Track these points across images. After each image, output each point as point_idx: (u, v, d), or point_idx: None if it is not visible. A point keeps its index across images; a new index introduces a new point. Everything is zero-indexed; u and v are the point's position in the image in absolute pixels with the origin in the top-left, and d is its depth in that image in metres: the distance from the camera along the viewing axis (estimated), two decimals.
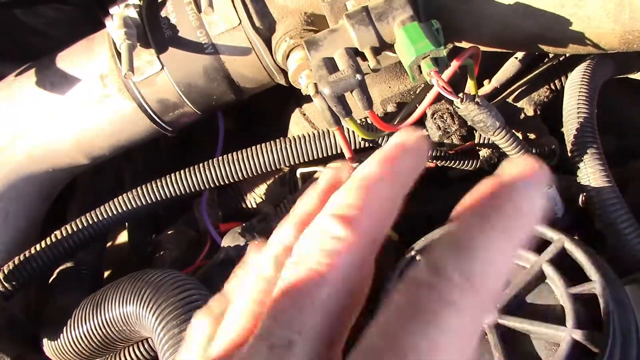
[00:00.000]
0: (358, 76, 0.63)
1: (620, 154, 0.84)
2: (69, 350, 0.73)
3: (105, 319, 0.68)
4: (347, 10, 0.68)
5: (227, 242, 0.71)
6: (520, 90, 0.83)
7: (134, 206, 0.82)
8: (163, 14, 0.79)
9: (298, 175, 0.82)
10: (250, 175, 0.82)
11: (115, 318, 0.68)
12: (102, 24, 0.81)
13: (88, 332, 0.69)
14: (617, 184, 0.70)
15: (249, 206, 0.95)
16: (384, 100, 0.84)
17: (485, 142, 0.78)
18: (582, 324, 0.59)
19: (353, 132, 0.77)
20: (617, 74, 0.79)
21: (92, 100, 0.81)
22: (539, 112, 0.83)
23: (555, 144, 0.79)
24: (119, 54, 0.78)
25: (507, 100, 0.83)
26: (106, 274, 0.96)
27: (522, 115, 0.83)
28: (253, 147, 0.81)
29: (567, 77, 0.80)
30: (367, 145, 0.82)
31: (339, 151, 0.79)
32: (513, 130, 0.67)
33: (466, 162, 0.82)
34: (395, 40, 0.66)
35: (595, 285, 0.60)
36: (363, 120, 0.79)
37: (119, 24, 0.76)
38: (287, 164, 0.82)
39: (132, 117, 0.82)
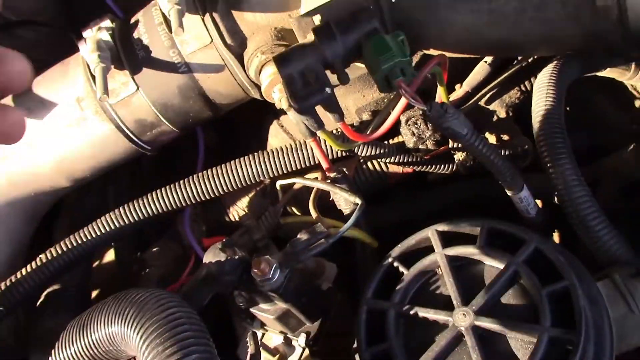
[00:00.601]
0: (327, 90, 0.64)
1: (592, 151, 0.85)
2: None
3: (92, 340, 0.69)
4: (314, 24, 0.69)
5: (208, 258, 0.72)
6: (491, 93, 0.84)
7: (118, 225, 0.83)
8: (135, 35, 0.80)
9: (278, 187, 0.83)
10: (231, 189, 0.83)
11: (102, 339, 0.68)
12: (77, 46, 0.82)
13: (75, 354, 0.70)
14: (588, 181, 0.71)
15: (232, 219, 0.96)
16: (359, 109, 0.85)
17: (460, 146, 0.80)
18: (557, 322, 0.60)
19: None
20: (584, 73, 0.80)
21: (70, 123, 0.82)
22: (511, 114, 0.84)
23: (528, 144, 0.80)
24: (93, 77, 0.79)
25: (479, 103, 0.84)
26: (94, 293, 0.97)
27: (495, 118, 0.84)
28: (233, 162, 0.82)
29: (536, 78, 0.81)
30: (344, 154, 0.84)
31: (316, 162, 0.80)
32: (483, 136, 0.68)
33: (442, 166, 0.83)
34: (362, 52, 0.67)
35: (567, 283, 0.61)
36: (339, 130, 0.80)
37: (92, 48, 0.77)
38: (267, 176, 0.83)
39: (110, 139, 0.83)
